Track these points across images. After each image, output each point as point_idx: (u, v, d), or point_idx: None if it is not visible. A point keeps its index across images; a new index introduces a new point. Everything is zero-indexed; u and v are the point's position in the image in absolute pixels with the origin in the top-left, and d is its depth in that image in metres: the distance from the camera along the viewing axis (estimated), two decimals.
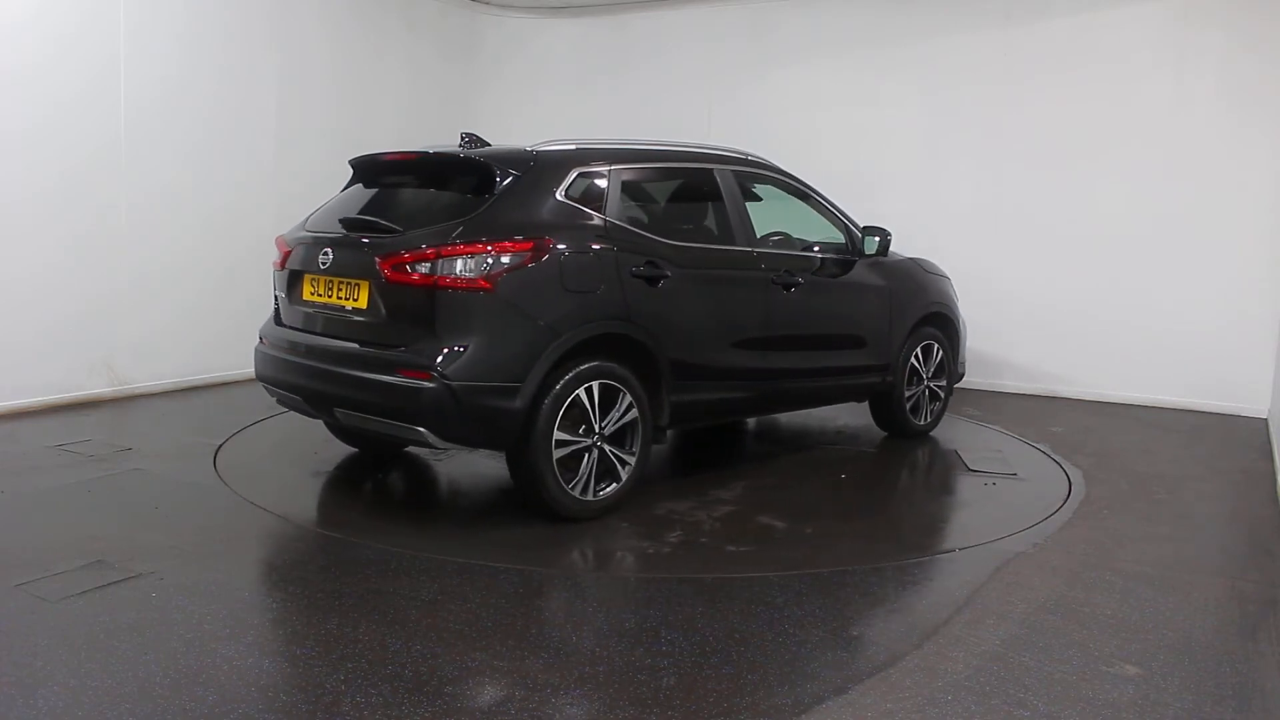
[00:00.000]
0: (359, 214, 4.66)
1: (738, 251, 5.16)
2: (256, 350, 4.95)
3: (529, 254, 4.24)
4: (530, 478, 4.31)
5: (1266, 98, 7.04)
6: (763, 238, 5.81)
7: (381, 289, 4.26)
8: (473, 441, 4.51)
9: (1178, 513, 4.93)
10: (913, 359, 6.12)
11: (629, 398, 4.51)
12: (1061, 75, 7.64)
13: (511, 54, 9.62)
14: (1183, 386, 7.43)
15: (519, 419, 4.19)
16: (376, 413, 4.31)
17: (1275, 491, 5.31)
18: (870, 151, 8.29)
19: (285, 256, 4.83)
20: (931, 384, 6.30)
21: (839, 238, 5.80)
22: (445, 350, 4.09)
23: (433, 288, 4.12)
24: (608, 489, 4.51)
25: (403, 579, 3.71)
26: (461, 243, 4.15)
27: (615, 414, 4.49)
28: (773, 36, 8.69)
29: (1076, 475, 5.53)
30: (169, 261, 6.85)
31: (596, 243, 4.50)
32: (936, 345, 6.29)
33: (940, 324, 6.35)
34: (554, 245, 4.32)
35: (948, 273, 6.60)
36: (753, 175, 5.57)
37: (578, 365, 4.34)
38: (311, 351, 4.57)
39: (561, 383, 4.28)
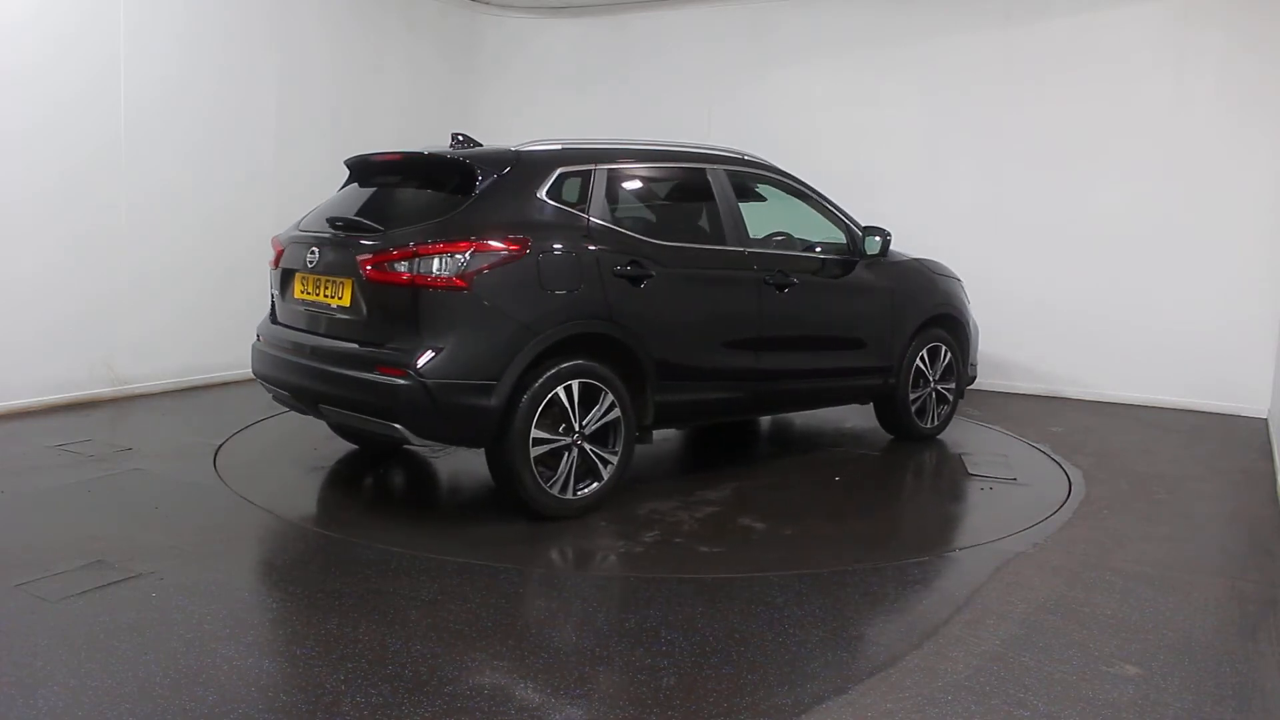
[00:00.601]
0: (345, 213, 4.72)
1: (728, 252, 5.13)
2: (253, 347, 5.03)
3: (505, 253, 4.27)
4: (507, 476, 4.34)
5: (1266, 98, 7.04)
6: (765, 238, 5.80)
7: (363, 287, 4.32)
8: (449, 439, 4.52)
9: (1178, 513, 4.93)
10: (918, 361, 6.04)
11: (611, 397, 4.52)
12: (1061, 75, 7.64)
13: (511, 54, 9.62)
14: (1183, 386, 7.43)
15: (495, 417, 4.21)
16: (357, 409, 4.38)
17: (1275, 491, 5.31)
18: (870, 151, 8.29)
19: (278, 255, 4.92)
20: (939, 387, 6.21)
21: (840, 238, 5.77)
22: (421, 348, 4.14)
23: (409, 286, 4.18)
24: (589, 488, 4.52)
25: (403, 579, 3.71)
26: (437, 242, 4.20)
27: (596, 413, 4.49)
28: (773, 36, 8.69)
29: (1076, 475, 5.53)
30: (169, 261, 6.85)
31: (577, 242, 4.51)
32: (944, 348, 6.20)
33: (948, 326, 6.26)
34: (531, 244, 4.34)
35: (958, 274, 6.51)
36: (749, 175, 5.55)
37: (556, 364, 4.35)
38: (301, 349, 4.64)
39: (539, 381, 4.29)
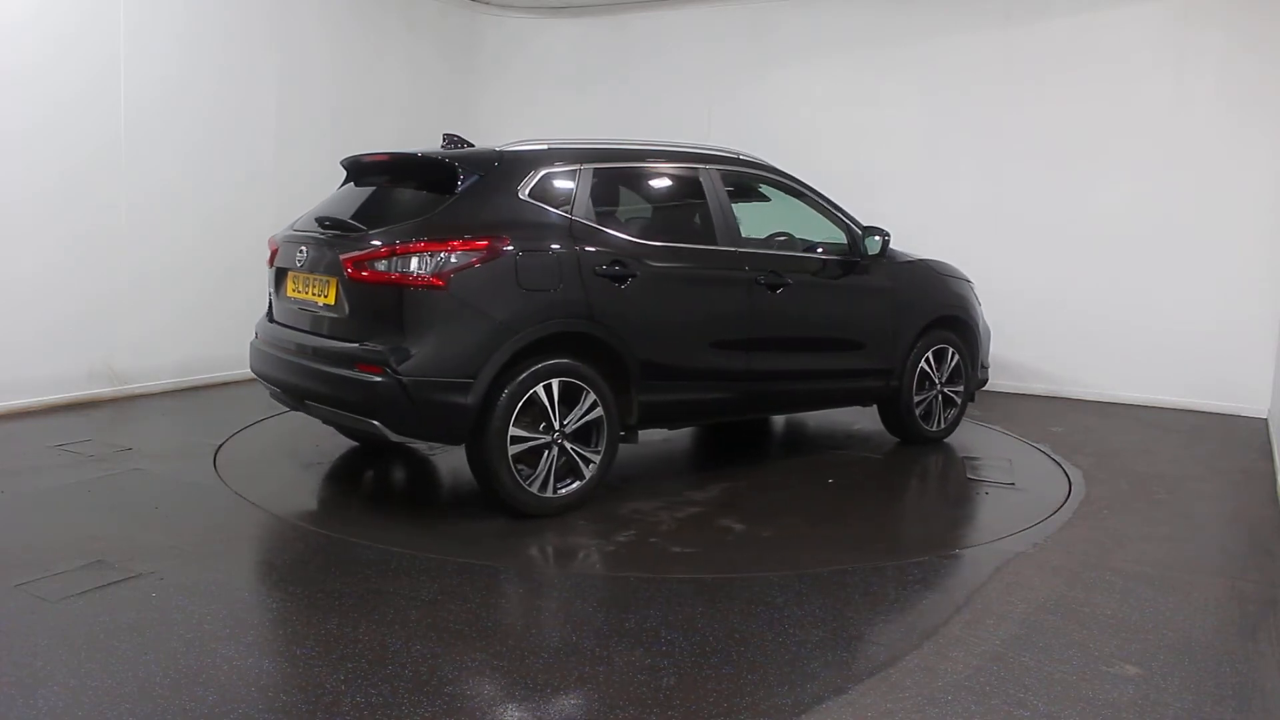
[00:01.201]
0: (334, 213, 4.78)
1: (717, 251, 5.10)
2: (251, 345, 5.10)
3: (482, 252, 4.30)
4: (485, 473, 4.37)
5: (1266, 98, 7.04)
6: (767, 238, 5.79)
7: (346, 286, 4.37)
8: (426, 435, 4.54)
9: (1178, 513, 4.93)
10: (923, 363, 5.96)
11: (592, 396, 4.53)
12: (1061, 75, 7.65)
13: (511, 54, 9.62)
14: (1183, 386, 7.43)
15: (471, 415, 4.24)
16: (338, 406, 4.45)
17: (1275, 491, 5.31)
18: (870, 151, 8.29)
19: (273, 254, 5.01)
20: (946, 389, 6.11)
21: (841, 239, 5.72)
22: (398, 346, 4.19)
23: (388, 285, 4.24)
24: (570, 487, 4.53)
25: (403, 579, 3.71)
26: (415, 241, 4.24)
27: (578, 412, 4.50)
28: (773, 36, 8.70)
29: (1077, 475, 5.52)
30: (169, 261, 6.86)
31: (558, 242, 4.52)
32: (951, 350, 6.10)
33: (956, 328, 6.15)
34: (509, 244, 4.36)
35: (968, 275, 6.43)
36: (744, 175, 5.53)
37: (535, 363, 4.37)
38: (292, 346, 4.71)
39: (517, 380, 4.31)
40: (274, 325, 4.96)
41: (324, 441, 5.62)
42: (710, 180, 5.22)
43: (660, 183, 5.40)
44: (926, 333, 5.98)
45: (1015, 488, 5.30)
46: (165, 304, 6.87)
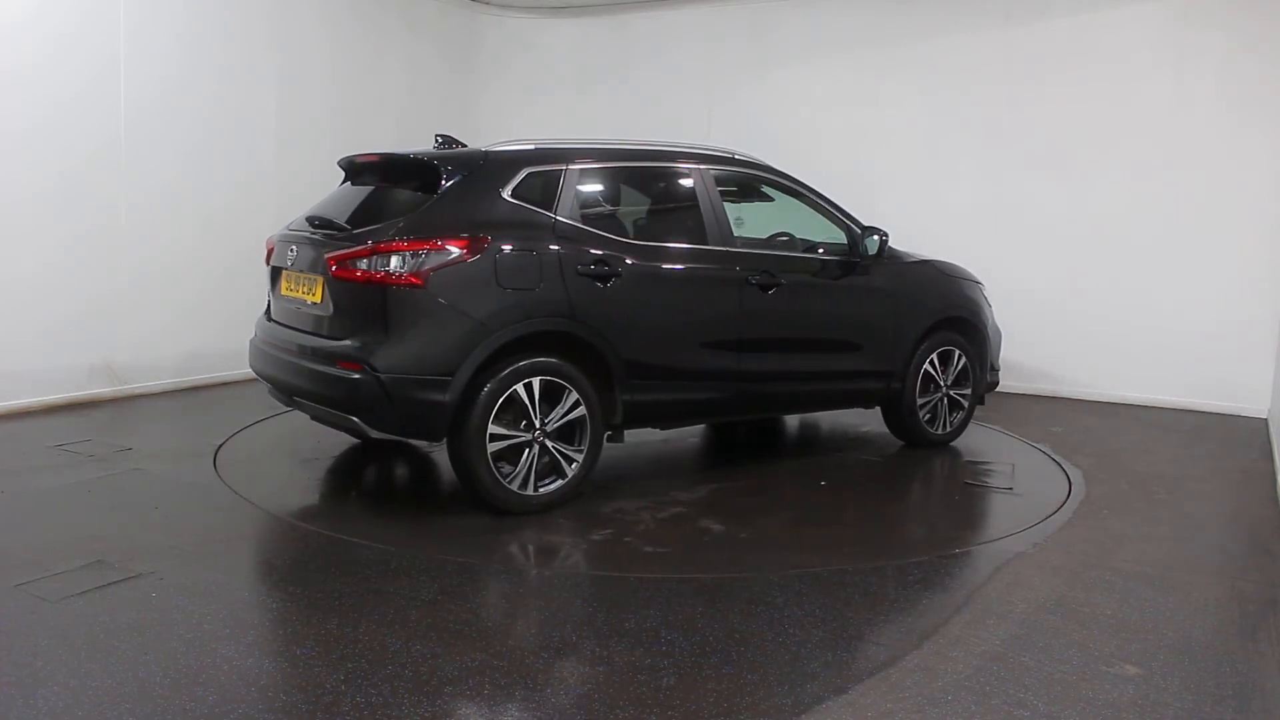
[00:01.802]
0: (324, 213, 4.85)
1: (706, 251, 5.08)
2: (250, 343, 5.15)
3: (461, 252, 4.33)
4: (465, 471, 4.40)
5: (1266, 98, 7.04)
6: (770, 238, 5.78)
7: (330, 284, 4.44)
8: (404, 432, 4.60)
9: (1178, 513, 4.93)
10: (926, 365, 5.86)
11: (575, 395, 4.54)
12: (1061, 75, 7.64)
13: (511, 54, 9.62)
14: (1183, 386, 7.43)
15: (449, 412, 4.28)
16: (320, 402, 4.52)
17: (1275, 491, 5.31)
18: (870, 151, 8.29)
19: (270, 253, 5.10)
20: (952, 392, 6.01)
21: (842, 239, 5.68)
22: (377, 343, 4.25)
23: (369, 284, 4.29)
24: (552, 485, 4.54)
25: (403, 579, 3.71)
26: (395, 240, 4.29)
27: (560, 411, 4.51)
28: (773, 36, 8.69)
29: (1076, 475, 5.52)
30: (169, 261, 6.85)
31: (540, 241, 4.54)
32: (957, 352, 6.00)
33: (963, 329, 6.05)
34: (489, 243, 4.39)
35: (978, 277, 6.35)
36: (739, 175, 5.50)
37: (515, 361, 4.39)
38: (285, 344, 4.77)
39: (496, 378, 4.34)
40: (271, 324, 5.02)
41: (324, 441, 5.62)
42: (702, 180, 5.20)
43: (649, 182, 5.38)
44: (931, 334, 5.89)
45: (1013, 492, 5.25)
46: (165, 304, 6.86)
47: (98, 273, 6.47)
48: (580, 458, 4.59)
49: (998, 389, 6.66)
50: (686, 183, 5.19)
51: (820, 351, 5.57)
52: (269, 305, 5.15)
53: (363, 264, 4.29)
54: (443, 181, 4.55)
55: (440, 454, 5.54)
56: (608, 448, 4.87)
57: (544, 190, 4.67)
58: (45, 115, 6.08)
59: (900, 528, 4.81)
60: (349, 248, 4.38)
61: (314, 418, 4.91)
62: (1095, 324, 7.66)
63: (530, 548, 4.19)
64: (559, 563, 4.10)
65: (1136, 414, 7.31)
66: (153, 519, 4.32)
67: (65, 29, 6.15)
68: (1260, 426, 6.94)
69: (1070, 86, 7.61)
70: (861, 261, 5.63)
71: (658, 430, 5.65)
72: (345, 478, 5.26)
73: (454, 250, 4.32)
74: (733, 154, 5.51)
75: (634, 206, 5.39)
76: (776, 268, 5.28)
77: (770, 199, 5.77)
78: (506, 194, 4.58)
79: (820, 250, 5.64)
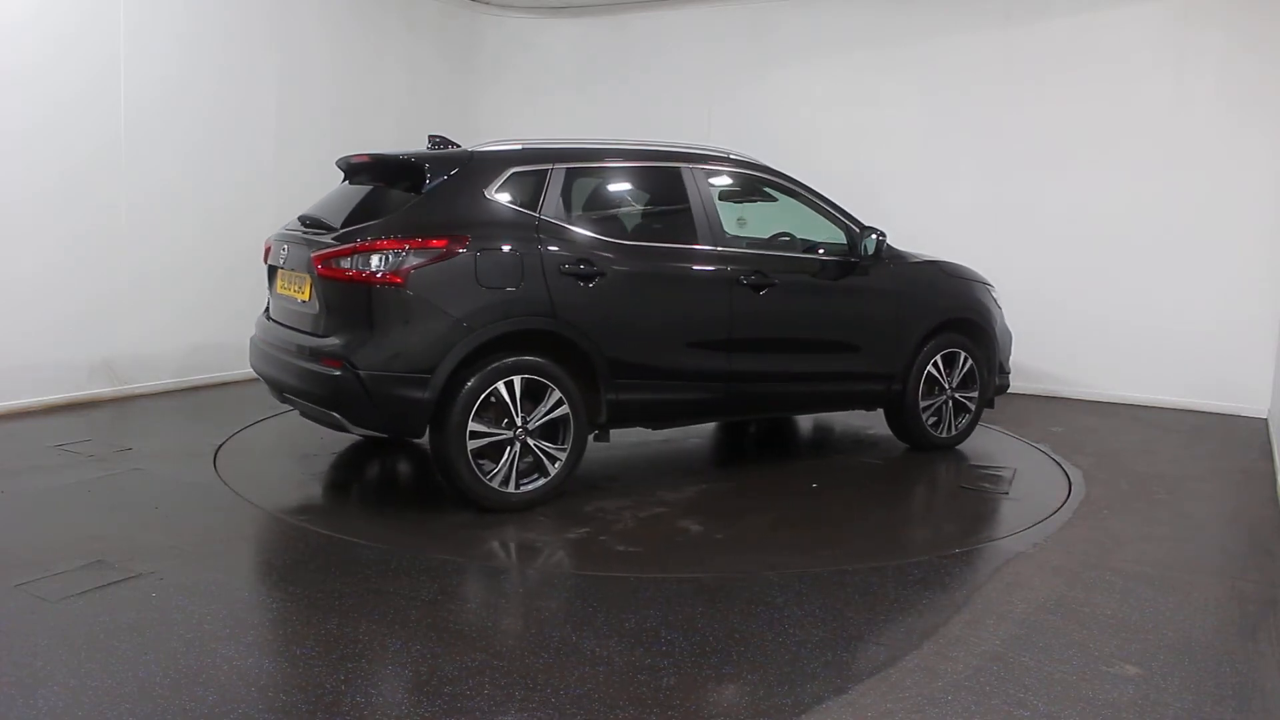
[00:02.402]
0: (315, 212, 4.92)
1: (695, 250, 5.05)
2: (250, 341, 5.21)
3: (441, 250, 4.38)
4: (445, 467, 4.44)
5: (1266, 98, 7.04)
6: (771, 238, 5.76)
7: (316, 282, 4.50)
8: (384, 429, 4.67)
9: (1178, 513, 4.93)
10: (930, 367, 5.77)
11: (558, 394, 4.55)
12: (1061, 75, 7.64)
13: (511, 54, 9.62)
14: (1183, 386, 7.43)
15: (428, 409, 4.33)
16: (305, 398, 4.60)
17: (1275, 491, 5.31)
18: (870, 151, 8.29)
19: (267, 252, 5.17)
20: (957, 395, 5.91)
21: (842, 239, 5.63)
22: (358, 341, 4.32)
23: (351, 282, 4.35)
24: (534, 483, 4.55)
25: (403, 579, 3.71)
26: (376, 239, 4.35)
27: (542, 409, 4.53)
28: (773, 36, 8.69)
29: (1076, 475, 5.52)
30: (169, 261, 6.86)
31: (522, 240, 4.56)
32: (963, 354, 5.89)
33: (969, 331, 5.95)
34: (469, 242, 4.43)
35: (987, 278, 6.28)
36: (735, 175, 5.48)
37: (496, 359, 4.42)
38: (278, 342, 4.84)
39: (476, 376, 4.37)
40: (268, 322, 5.08)
41: (325, 440, 5.62)
42: (694, 179, 5.17)
43: (638, 182, 5.37)
44: (934, 336, 5.80)
45: (1013, 493, 5.22)
46: (165, 304, 6.87)
47: (98, 272, 6.47)
48: (564, 456, 4.61)
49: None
50: (678, 182, 5.16)
51: (816, 352, 5.52)
52: (268, 304, 5.20)
53: (346, 263, 4.36)
54: (427, 181, 4.59)
55: None
56: (608, 448, 4.88)
57: (528, 190, 4.70)
58: (45, 115, 6.08)
59: (901, 528, 4.81)
60: (333, 247, 4.45)
61: (302, 414, 4.95)
62: (1095, 324, 7.66)
63: (511, 545, 4.20)
64: (542, 561, 4.10)
65: (1136, 414, 7.31)
66: (153, 519, 4.32)
67: (65, 29, 6.15)
68: (1260, 426, 6.94)
69: (1070, 86, 7.61)
70: (860, 262, 5.57)
71: (654, 431, 5.64)
72: (345, 477, 5.27)
73: (433, 249, 4.37)
74: (728, 154, 5.49)
75: (622, 206, 5.37)
76: (770, 268, 5.24)
77: (771, 199, 5.75)
78: (490, 194, 4.62)
79: (820, 251, 5.60)
